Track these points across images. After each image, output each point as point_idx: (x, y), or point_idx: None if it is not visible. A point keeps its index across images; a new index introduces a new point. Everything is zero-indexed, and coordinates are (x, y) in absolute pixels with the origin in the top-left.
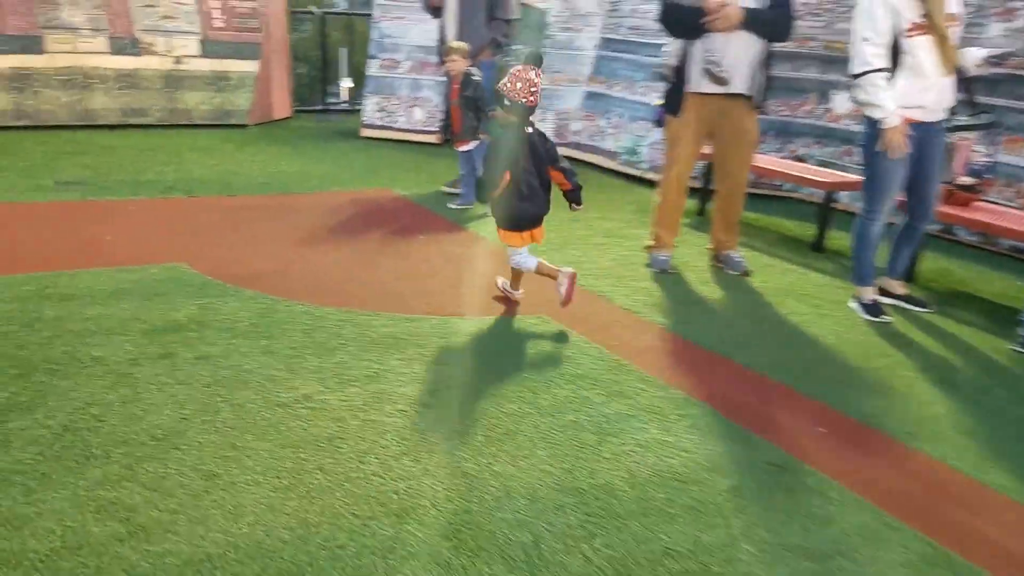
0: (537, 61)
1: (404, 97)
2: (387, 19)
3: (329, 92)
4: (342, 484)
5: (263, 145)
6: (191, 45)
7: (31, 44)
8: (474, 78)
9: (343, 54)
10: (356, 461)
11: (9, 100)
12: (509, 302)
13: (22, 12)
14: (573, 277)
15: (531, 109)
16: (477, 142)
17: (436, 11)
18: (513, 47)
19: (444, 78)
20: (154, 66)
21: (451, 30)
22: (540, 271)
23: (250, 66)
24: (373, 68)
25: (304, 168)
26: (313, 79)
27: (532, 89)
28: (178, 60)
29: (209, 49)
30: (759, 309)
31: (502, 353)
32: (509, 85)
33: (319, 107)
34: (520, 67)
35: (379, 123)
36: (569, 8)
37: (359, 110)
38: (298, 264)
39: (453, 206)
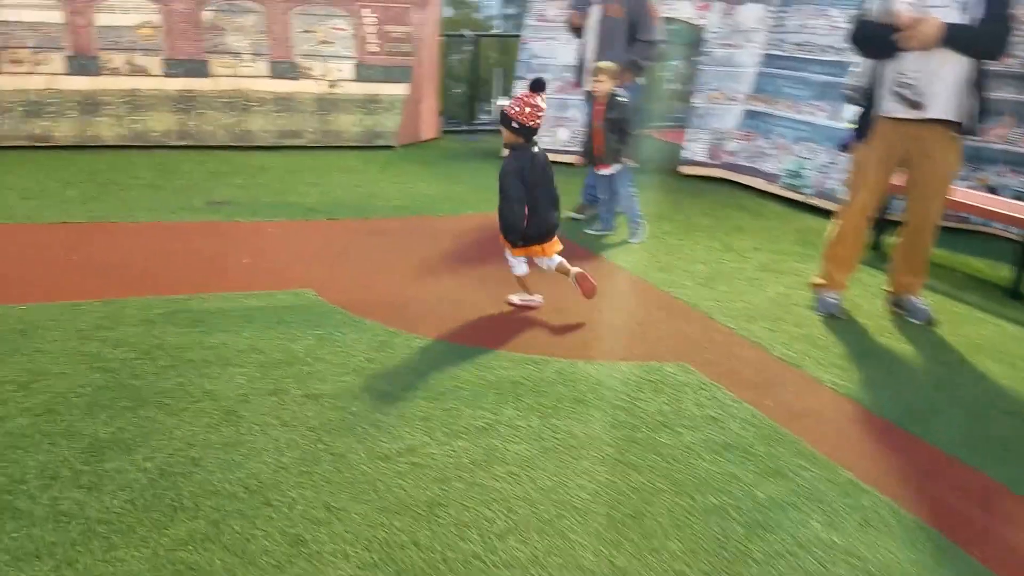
0: (540, 87)
1: (549, 117)
2: (536, 40)
3: (479, 112)
4: (436, 566)
5: (406, 166)
6: (346, 69)
7: (197, 68)
8: (620, 99)
9: (498, 74)
10: (456, 536)
11: (174, 121)
12: (527, 308)
13: (191, 38)
14: (582, 276)
15: (536, 131)
16: (619, 166)
17: (579, 31)
18: (655, 67)
19: (582, 98)
20: (310, 90)
21: (590, 51)
22: (560, 269)
23: (400, 89)
24: (520, 88)
25: (442, 190)
26: (470, 98)
27: (539, 113)
28: (333, 84)
29: (362, 73)
30: (947, 369)
31: (633, 409)
32: (518, 109)
33: (467, 127)
34: (526, 92)
35: None
36: (729, 24)
37: None
38: (421, 292)
39: (590, 232)
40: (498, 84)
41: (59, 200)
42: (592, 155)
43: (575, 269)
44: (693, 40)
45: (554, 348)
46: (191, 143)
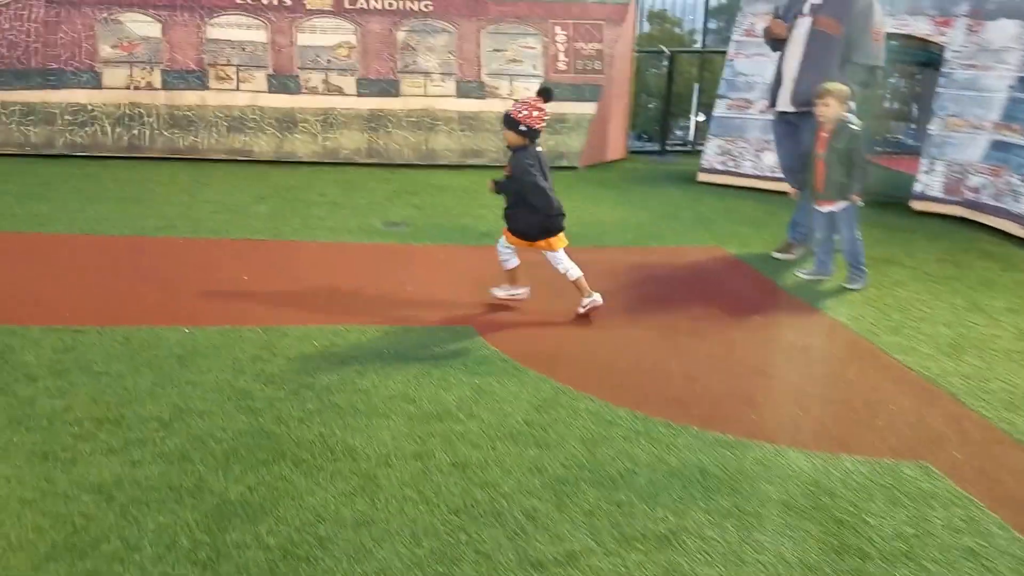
0: (548, 96)
1: (754, 140)
2: (742, 56)
3: (671, 133)
4: None
5: (588, 189)
6: (533, 88)
7: (389, 87)
8: (851, 127)
9: (695, 90)
10: None
11: (363, 139)
12: (512, 301)
13: (384, 59)
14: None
15: (539, 133)
16: (845, 203)
17: (777, 43)
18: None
19: (772, 118)
20: (495, 108)
21: (791, 70)
22: (512, 274)
23: (588, 108)
24: (721, 108)
25: (625, 217)
26: (664, 115)
27: (544, 117)
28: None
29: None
30: None
31: (863, 528)
32: (525, 113)
33: (656, 148)
34: (532, 97)
35: (720, 168)
36: (975, 42)
37: (699, 151)
38: (593, 340)
39: (803, 276)
40: (695, 100)
41: (247, 216)
42: (811, 188)
43: (596, 297)
44: (926, 59)
45: (756, 427)
46: (378, 161)
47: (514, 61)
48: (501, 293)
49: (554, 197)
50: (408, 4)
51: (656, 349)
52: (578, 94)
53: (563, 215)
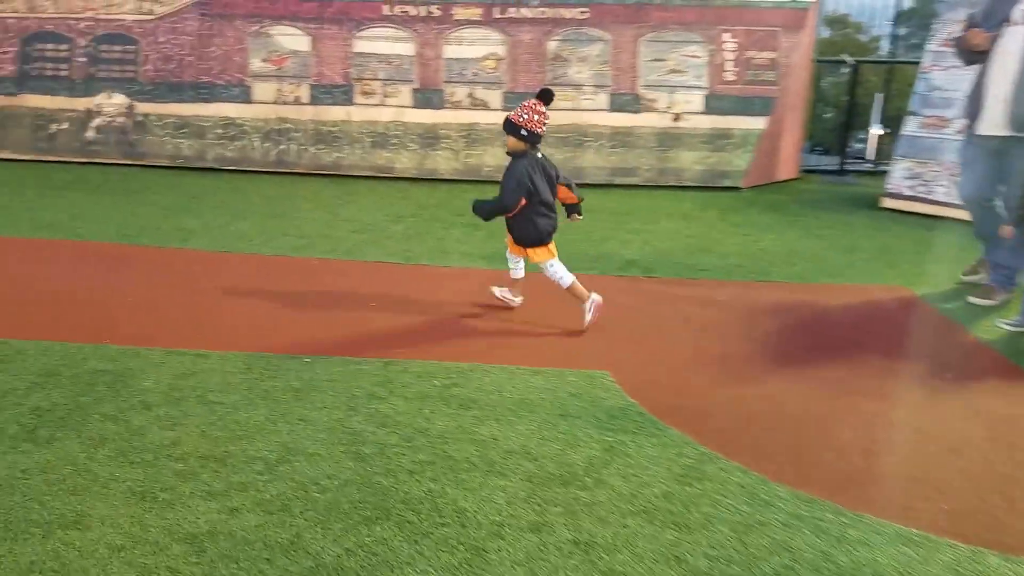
0: (548, 98)
1: (949, 163)
2: (938, 68)
3: (850, 149)
4: None
5: (752, 213)
6: (695, 101)
7: None
8: None
9: (877, 100)
10: None
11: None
12: (504, 305)
13: (533, 70)
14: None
15: (541, 138)
16: None
17: (973, 56)
18: None
19: (965, 139)
20: (651, 123)
21: (998, 87)
22: (572, 291)
23: (757, 123)
24: (912, 126)
25: (793, 247)
26: (843, 128)
27: (545, 121)
28: (677, 117)
29: (713, 105)
30: None
31: None
32: (527, 117)
33: (833, 168)
34: (532, 101)
35: (909, 193)
36: None
37: (883, 172)
38: (751, 396)
39: (1007, 327)
40: (876, 111)
41: (383, 236)
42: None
43: (595, 296)
44: None
45: (948, 521)
46: None
47: (675, 72)
48: (498, 292)
49: (501, 211)
50: (562, 12)
51: (825, 411)
52: (745, 107)
53: (550, 234)
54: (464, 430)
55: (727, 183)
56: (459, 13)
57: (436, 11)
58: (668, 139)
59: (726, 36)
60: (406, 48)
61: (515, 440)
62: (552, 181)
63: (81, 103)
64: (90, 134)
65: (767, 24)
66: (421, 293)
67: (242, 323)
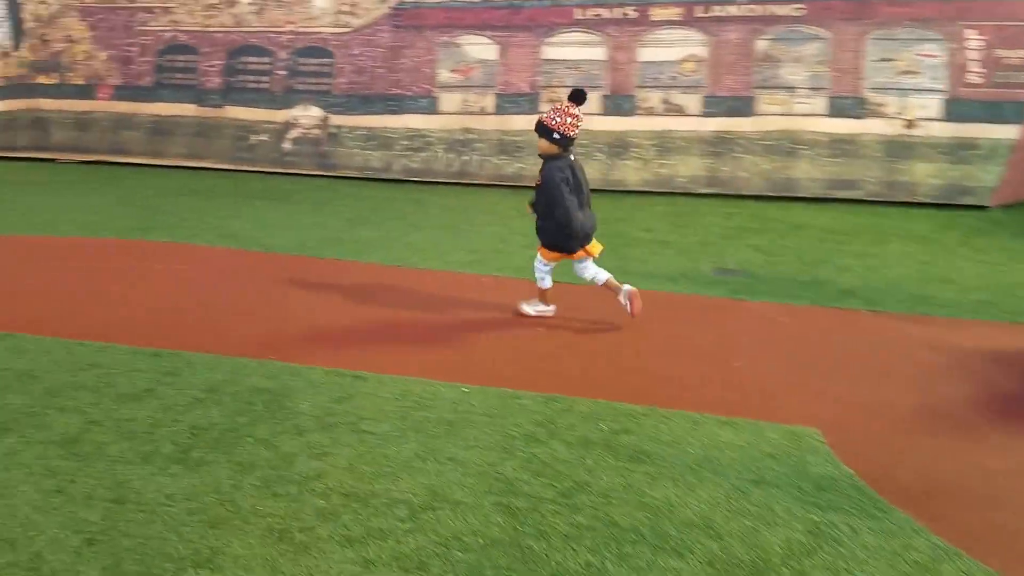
0: (581, 99)
1: None
2: None
3: None
4: None
5: (1003, 238)
6: (931, 105)
7: (740, 106)
8: None
9: None
10: None
11: (703, 165)
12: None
13: (738, 72)
14: (634, 295)
15: (573, 141)
16: None
17: None
18: None
19: None
20: (877, 130)
21: None
22: (608, 285)
23: (1008, 131)
24: None
25: None
26: None
27: (578, 123)
28: (910, 124)
29: (955, 110)
30: None
31: None
32: (559, 120)
33: None
34: (565, 104)
35: None
36: None
37: None
38: (996, 468)
39: None
40: None
41: None
42: None
43: (627, 287)
44: None
45: None
46: (719, 191)
47: (908, 73)
48: (530, 310)
49: (576, 217)
50: (774, 9)
51: None
52: (994, 113)
53: (589, 237)
54: (633, 490)
55: (971, 201)
56: (657, 14)
57: (632, 12)
58: (898, 148)
59: (970, 32)
60: (597, 53)
61: (696, 510)
62: (586, 182)
63: (280, 115)
64: (287, 145)
65: (1021, 19)
66: (592, 317)
67: (404, 344)
